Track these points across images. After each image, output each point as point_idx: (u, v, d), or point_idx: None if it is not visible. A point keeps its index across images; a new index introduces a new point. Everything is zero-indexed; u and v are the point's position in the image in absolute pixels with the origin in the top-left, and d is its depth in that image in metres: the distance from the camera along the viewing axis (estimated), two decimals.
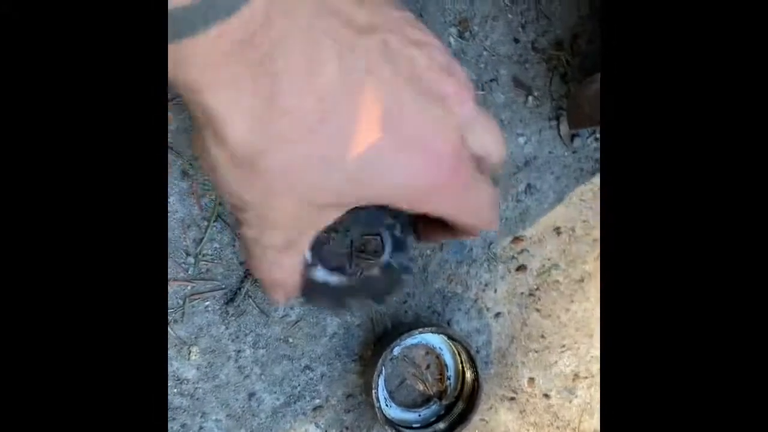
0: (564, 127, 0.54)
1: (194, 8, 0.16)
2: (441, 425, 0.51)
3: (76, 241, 0.18)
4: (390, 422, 0.49)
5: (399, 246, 0.41)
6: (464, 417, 0.50)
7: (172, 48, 0.17)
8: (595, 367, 0.56)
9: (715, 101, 0.21)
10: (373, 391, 0.47)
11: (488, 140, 0.27)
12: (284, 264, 0.29)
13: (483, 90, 0.52)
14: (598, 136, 0.55)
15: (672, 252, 0.21)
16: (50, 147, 0.18)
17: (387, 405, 0.51)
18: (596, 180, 0.56)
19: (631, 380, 0.22)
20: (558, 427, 0.56)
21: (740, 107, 0.21)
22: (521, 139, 0.53)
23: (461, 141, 0.25)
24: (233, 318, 0.48)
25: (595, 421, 0.56)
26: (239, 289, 0.48)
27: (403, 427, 0.50)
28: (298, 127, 0.21)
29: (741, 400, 0.21)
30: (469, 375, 0.51)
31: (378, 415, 0.47)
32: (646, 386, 0.22)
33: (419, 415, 0.52)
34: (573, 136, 0.54)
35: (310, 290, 0.38)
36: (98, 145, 0.18)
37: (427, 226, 0.36)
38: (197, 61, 0.18)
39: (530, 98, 0.53)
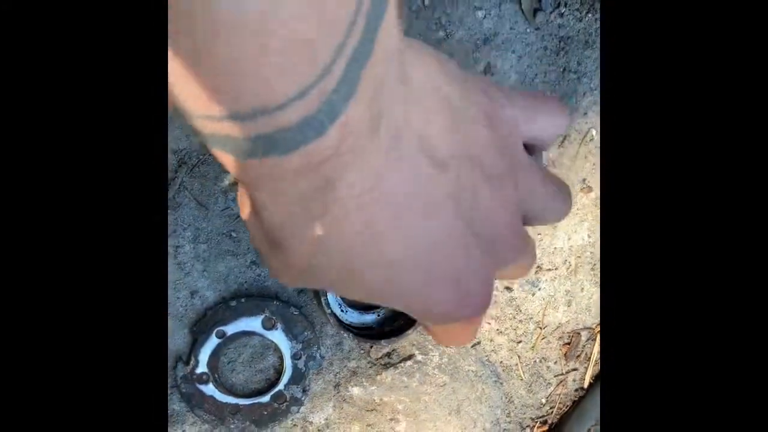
0: (526, 0, 0.50)
1: (292, 129, 0.18)
2: (401, 321, 0.48)
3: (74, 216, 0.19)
4: (336, 318, 0.46)
5: (297, 378, 0.46)
6: None
7: (254, 163, 0.19)
8: (558, 259, 0.54)
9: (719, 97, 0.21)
10: (323, 299, 0.45)
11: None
12: None
13: None
14: (562, 11, 0.51)
15: (672, 245, 0.21)
16: (49, 147, 0.19)
17: (343, 311, 0.48)
18: (561, 60, 0.52)
19: (631, 377, 0.22)
20: (521, 321, 0.54)
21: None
22: (480, 13, 0.49)
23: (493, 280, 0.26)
24: (168, 211, 0.44)
25: (560, 314, 0.55)
26: (173, 180, 0.43)
27: (361, 328, 0.48)
28: (336, 248, 0.22)
29: (742, 402, 0.21)
30: None
31: (323, 306, 0.44)
32: (647, 382, 0.22)
33: (378, 315, 0.49)
34: (535, 11, 0.50)
35: (197, 399, 0.45)
36: (96, 145, 0.19)
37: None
38: (272, 174, 0.20)
39: None
